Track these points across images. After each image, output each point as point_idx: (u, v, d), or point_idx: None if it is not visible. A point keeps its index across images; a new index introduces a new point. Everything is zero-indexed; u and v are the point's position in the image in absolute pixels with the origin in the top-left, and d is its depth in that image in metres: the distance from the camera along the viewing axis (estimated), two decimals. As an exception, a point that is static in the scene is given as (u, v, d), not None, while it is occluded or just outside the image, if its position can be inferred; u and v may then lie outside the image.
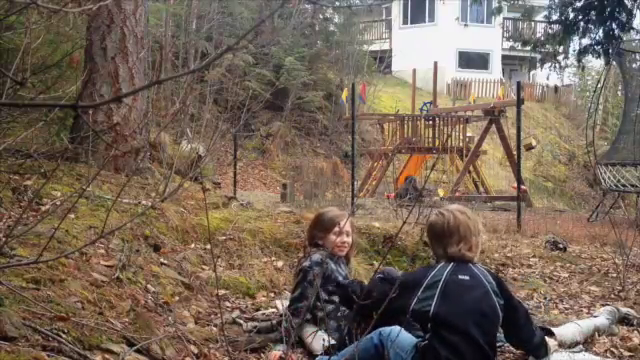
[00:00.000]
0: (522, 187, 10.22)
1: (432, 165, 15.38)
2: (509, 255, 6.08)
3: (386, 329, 2.91)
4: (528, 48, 16.01)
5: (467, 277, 2.93)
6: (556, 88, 28.43)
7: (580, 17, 14.24)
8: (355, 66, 20.78)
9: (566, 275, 5.61)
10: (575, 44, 15.64)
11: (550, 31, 15.64)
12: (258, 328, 3.53)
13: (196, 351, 2.95)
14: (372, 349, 2.91)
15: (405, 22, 28.31)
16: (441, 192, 13.43)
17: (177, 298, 3.80)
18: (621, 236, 5.55)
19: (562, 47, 15.48)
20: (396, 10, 28.42)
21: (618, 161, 11.68)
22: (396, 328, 2.90)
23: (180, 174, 6.73)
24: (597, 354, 3.45)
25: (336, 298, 3.49)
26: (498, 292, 2.94)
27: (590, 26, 14.29)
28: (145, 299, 3.42)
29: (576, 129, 25.61)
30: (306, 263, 3.48)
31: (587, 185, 22.02)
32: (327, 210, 3.71)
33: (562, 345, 3.49)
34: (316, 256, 3.49)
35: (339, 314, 3.44)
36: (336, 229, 3.55)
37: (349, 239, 3.64)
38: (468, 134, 15.50)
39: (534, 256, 6.17)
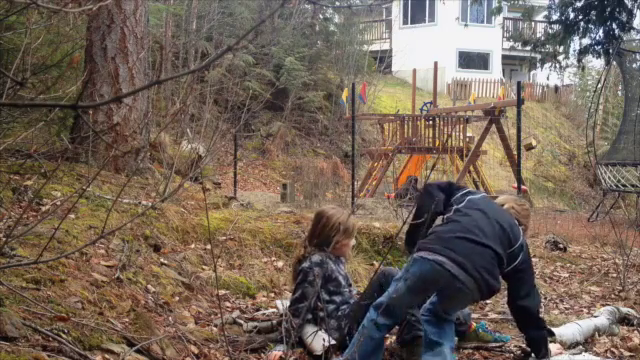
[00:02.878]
0: (523, 187, 10.22)
1: (432, 165, 15.37)
2: (509, 255, 6.06)
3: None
4: (528, 48, 15.98)
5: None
6: (556, 88, 28.41)
7: (580, 17, 14.24)
8: (355, 66, 20.76)
9: (566, 275, 5.61)
10: (575, 44, 15.64)
11: (550, 31, 15.62)
12: (258, 328, 3.53)
13: (196, 351, 2.95)
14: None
15: (405, 22, 28.30)
16: (441, 192, 13.39)
17: (177, 298, 3.80)
18: (621, 236, 5.55)
19: (562, 47, 15.46)
20: (396, 10, 28.40)
21: (618, 161, 11.68)
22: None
23: (180, 174, 6.73)
24: (597, 354, 3.45)
25: (337, 298, 3.50)
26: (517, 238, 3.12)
27: (590, 26, 14.28)
28: (145, 299, 3.42)
29: (576, 129, 25.59)
30: (306, 264, 3.48)
31: (587, 185, 22.00)
32: (338, 213, 3.63)
33: (562, 345, 3.49)
34: (316, 257, 3.49)
35: (339, 313, 3.45)
36: (355, 232, 3.61)
37: None
38: (468, 134, 15.48)
39: (534, 256, 6.16)
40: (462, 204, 3.14)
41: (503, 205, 3.35)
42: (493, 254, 2.97)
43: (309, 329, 3.40)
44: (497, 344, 3.56)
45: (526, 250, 3.14)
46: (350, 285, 3.65)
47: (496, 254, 2.97)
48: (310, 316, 3.48)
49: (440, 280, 2.90)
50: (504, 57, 27.78)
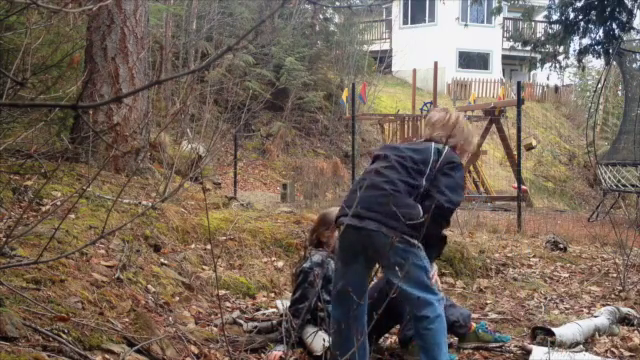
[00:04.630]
0: (523, 187, 10.21)
1: (432, 165, 15.34)
2: (509, 255, 6.08)
3: None
4: (528, 48, 15.99)
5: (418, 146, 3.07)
6: (556, 88, 28.41)
7: (580, 17, 14.24)
8: (355, 66, 20.76)
9: (566, 275, 5.61)
10: (575, 44, 15.65)
11: (550, 31, 15.63)
12: (258, 328, 3.53)
13: (196, 351, 2.94)
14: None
15: (405, 22, 28.30)
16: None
17: (177, 298, 3.80)
18: (621, 236, 5.55)
19: (562, 47, 15.46)
20: (396, 10, 28.41)
21: (618, 161, 11.68)
22: None
23: (180, 174, 6.73)
24: (597, 354, 3.45)
25: None
26: (441, 160, 2.91)
27: (590, 26, 14.28)
28: (145, 299, 3.42)
29: (576, 129, 25.60)
30: (306, 264, 3.47)
31: (587, 185, 22.00)
32: (332, 209, 3.67)
33: (562, 345, 3.49)
34: (316, 257, 3.49)
35: None
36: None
37: None
38: (468, 134, 15.46)
39: (534, 256, 6.17)
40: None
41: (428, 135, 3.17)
42: (393, 186, 2.82)
43: (309, 329, 3.39)
44: (497, 344, 3.56)
45: (448, 161, 2.91)
46: None
47: (401, 182, 2.84)
48: (310, 316, 3.47)
49: (351, 237, 2.81)
50: (504, 57, 27.78)
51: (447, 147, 3.00)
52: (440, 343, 2.76)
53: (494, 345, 3.56)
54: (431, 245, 2.90)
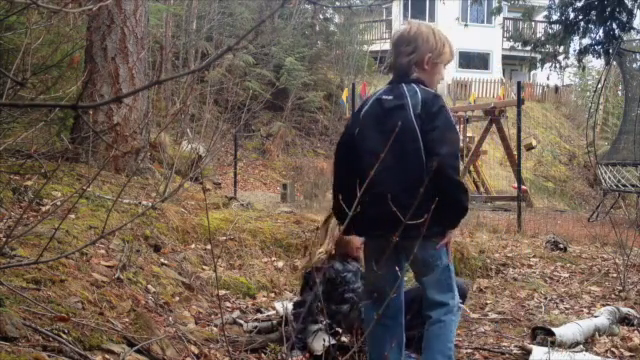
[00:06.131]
0: (523, 187, 10.21)
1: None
2: (510, 255, 6.07)
3: None
4: (528, 48, 15.99)
5: (391, 97, 2.66)
6: (556, 88, 28.41)
7: (580, 17, 14.25)
8: (355, 66, 20.76)
9: (566, 275, 5.61)
10: (575, 44, 15.66)
11: (550, 31, 15.63)
12: (258, 328, 3.53)
13: (196, 351, 2.94)
14: None
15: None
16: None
17: (177, 298, 3.80)
18: (621, 236, 5.55)
19: (562, 47, 15.47)
20: (396, 10, 28.41)
21: (618, 161, 11.68)
22: None
23: (180, 174, 6.73)
24: (597, 354, 3.45)
25: (348, 295, 3.46)
26: (421, 114, 2.55)
27: (590, 26, 14.29)
28: (145, 299, 3.42)
29: (576, 129, 25.59)
30: (309, 269, 3.49)
31: (587, 185, 21.99)
32: None
33: (562, 345, 3.49)
34: (321, 260, 3.51)
35: (352, 315, 3.41)
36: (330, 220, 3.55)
37: None
38: (468, 134, 15.49)
39: (534, 256, 6.16)
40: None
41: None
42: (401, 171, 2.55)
43: (310, 328, 3.39)
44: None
45: (428, 122, 2.54)
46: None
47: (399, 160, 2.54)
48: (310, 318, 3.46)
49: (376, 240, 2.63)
50: (504, 57, 27.79)
51: (419, 90, 2.59)
52: (443, 350, 2.62)
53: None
54: (445, 212, 2.50)
